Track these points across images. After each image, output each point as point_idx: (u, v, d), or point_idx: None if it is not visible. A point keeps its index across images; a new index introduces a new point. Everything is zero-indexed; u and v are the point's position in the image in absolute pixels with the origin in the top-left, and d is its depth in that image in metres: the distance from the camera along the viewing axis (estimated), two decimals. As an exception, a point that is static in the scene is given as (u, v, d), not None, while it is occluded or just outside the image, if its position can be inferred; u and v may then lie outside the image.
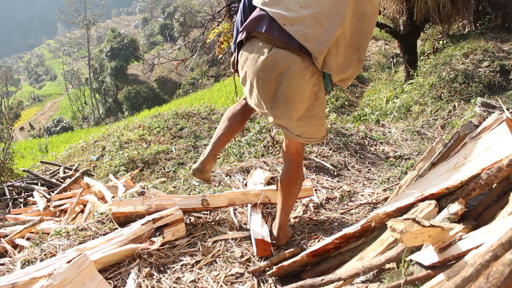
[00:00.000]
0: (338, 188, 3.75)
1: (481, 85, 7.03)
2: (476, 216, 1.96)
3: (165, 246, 2.58)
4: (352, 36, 2.18)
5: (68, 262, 1.90)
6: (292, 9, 2.14)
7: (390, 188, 3.81)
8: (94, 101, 45.68)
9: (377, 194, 3.62)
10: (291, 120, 2.24)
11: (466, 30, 10.93)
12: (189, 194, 3.61)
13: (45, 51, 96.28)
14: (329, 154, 4.79)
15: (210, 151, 2.56)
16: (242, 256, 2.56)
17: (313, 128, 2.30)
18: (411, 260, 1.72)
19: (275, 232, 2.68)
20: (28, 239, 4.05)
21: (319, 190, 3.70)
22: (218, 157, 6.23)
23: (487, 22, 9.71)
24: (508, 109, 5.16)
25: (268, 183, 3.62)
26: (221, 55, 7.50)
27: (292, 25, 2.12)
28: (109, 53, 42.28)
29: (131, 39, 43.98)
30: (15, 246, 3.99)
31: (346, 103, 10.80)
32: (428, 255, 1.62)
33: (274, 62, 2.17)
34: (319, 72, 2.19)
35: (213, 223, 2.94)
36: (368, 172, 4.43)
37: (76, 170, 7.59)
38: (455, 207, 1.75)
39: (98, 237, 2.68)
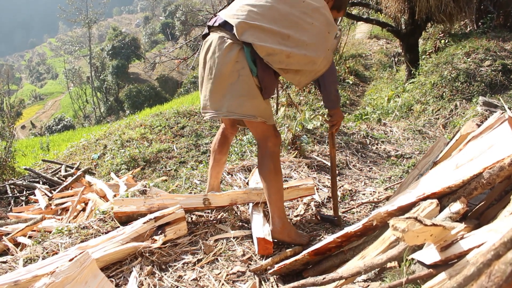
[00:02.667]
0: (340, 187, 3.75)
1: (483, 84, 7.02)
2: (478, 215, 1.96)
3: (166, 245, 2.59)
4: (281, 17, 2.33)
5: (70, 260, 1.90)
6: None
7: (391, 187, 3.81)
8: (95, 99, 45.71)
9: (379, 193, 3.63)
10: (215, 98, 2.43)
11: (468, 29, 10.90)
12: (191, 193, 3.61)
13: (47, 49, 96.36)
14: (329, 154, 4.79)
15: (208, 188, 3.07)
16: (243, 255, 2.56)
17: (235, 100, 2.38)
18: (412, 259, 1.73)
19: (271, 225, 2.67)
20: (30, 237, 4.07)
21: (320, 189, 3.70)
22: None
23: (489, 21, 9.68)
24: (510, 108, 5.16)
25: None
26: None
27: (226, 13, 2.42)
28: (110, 52, 42.27)
29: (132, 38, 43.97)
30: (17, 244, 4.00)
31: (347, 102, 10.80)
32: (430, 254, 1.62)
33: (204, 45, 2.46)
34: (239, 48, 2.34)
35: (214, 221, 2.95)
36: (369, 171, 4.43)
37: (77, 169, 7.59)
38: (457, 206, 1.75)
39: (100, 235, 2.69)
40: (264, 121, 2.46)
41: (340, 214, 3.08)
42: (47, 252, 2.58)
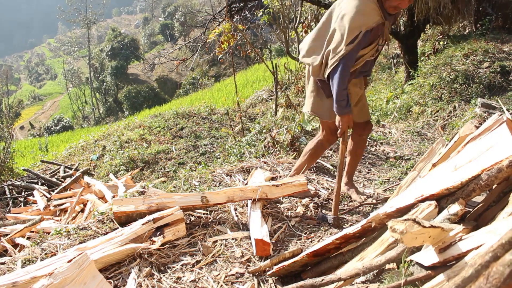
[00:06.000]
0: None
1: (482, 86, 7.02)
2: (476, 216, 1.97)
3: (165, 246, 2.59)
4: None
5: (69, 261, 1.90)
6: None
7: (390, 188, 3.81)
8: (94, 100, 45.68)
9: (378, 194, 3.63)
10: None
11: (467, 31, 10.91)
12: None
13: (46, 50, 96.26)
14: (329, 155, 4.80)
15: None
16: (242, 256, 2.56)
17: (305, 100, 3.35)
18: (411, 261, 1.73)
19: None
20: (28, 238, 4.06)
21: (319, 190, 3.70)
22: (218, 157, 6.23)
23: (487, 23, 9.69)
24: (508, 110, 5.17)
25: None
26: (221, 55, 7.51)
27: None
28: (109, 53, 42.26)
29: (131, 39, 43.95)
30: (15, 245, 4.00)
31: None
32: (428, 256, 1.62)
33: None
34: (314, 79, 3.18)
35: (213, 223, 2.95)
36: (368, 172, 4.43)
37: (76, 170, 7.59)
38: (455, 208, 1.76)
39: (98, 236, 2.69)
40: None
41: (339, 215, 3.08)
42: (45, 253, 2.58)
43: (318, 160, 4.44)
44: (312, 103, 3.21)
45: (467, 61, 7.63)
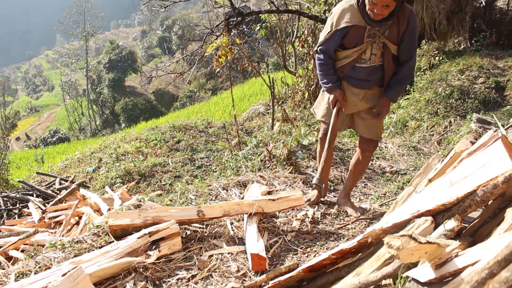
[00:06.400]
0: (335, 203, 3.75)
1: (477, 101, 7.08)
2: (472, 232, 1.97)
3: (161, 260, 2.57)
4: None
5: (63, 275, 1.89)
6: None
7: (386, 203, 3.81)
8: (91, 112, 45.68)
9: (374, 209, 3.63)
10: None
11: (462, 46, 11.03)
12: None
13: (44, 61, 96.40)
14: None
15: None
16: (238, 271, 2.55)
17: None
18: (407, 277, 1.72)
19: None
20: (22, 251, 4.02)
21: (315, 206, 3.69)
22: (214, 171, 6.23)
23: (482, 39, 9.82)
24: (503, 126, 5.20)
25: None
26: (218, 69, 7.54)
27: None
28: (107, 65, 42.40)
29: (129, 51, 44.17)
30: (9, 258, 3.95)
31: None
32: (425, 272, 1.62)
33: None
34: None
35: (209, 237, 2.94)
36: (364, 187, 4.43)
37: (72, 182, 7.55)
38: (451, 224, 1.76)
39: (93, 250, 2.67)
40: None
41: (336, 229, 3.07)
42: (39, 267, 2.56)
43: (314, 174, 4.45)
44: (316, 102, 3.68)
45: (463, 76, 7.70)
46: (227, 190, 4.00)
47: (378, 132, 3.44)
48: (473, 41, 10.37)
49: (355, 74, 3.25)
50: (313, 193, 3.72)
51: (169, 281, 2.43)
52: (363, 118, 3.39)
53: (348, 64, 3.23)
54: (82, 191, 5.66)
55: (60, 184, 7.62)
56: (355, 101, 3.32)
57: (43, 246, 3.17)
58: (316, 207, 3.62)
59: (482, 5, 10.53)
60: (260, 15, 10.34)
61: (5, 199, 6.88)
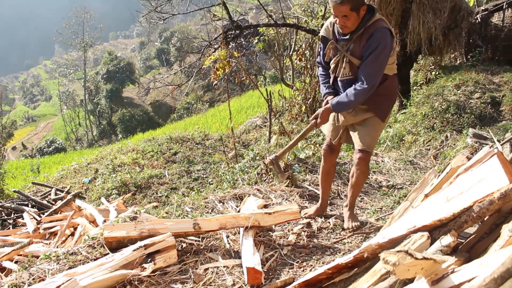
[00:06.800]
0: (331, 217, 3.74)
1: (473, 116, 7.13)
2: (468, 248, 1.97)
3: (156, 273, 2.55)
4: None
5: (58, 287, 1.87)
6: None
7: (383, 217, 3.81)
8: (88, 122, 45.65)
9: (370, 223, 3.62)
10: None
11: (458, 61, 11.14)
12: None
13: (42, 71, 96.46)
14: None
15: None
16: (233, 284, 2.53)
17: None
18: (403, 292, 1.72)
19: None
20: (16, 262, 3.99)
21: (312, 218, 3.68)
22: (211, 183, 6.22)
23: (478, 55, 9.92)
24: (499, 141, 5.23)
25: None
26: (216, 81, 7.58)
27: None
28: (105, 76, 42.51)
29: (127, 63, 44.32)
30: (2, 269, 3.92)
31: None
32: (421, 288, 1.62)
33: None
34: None
35: (205, 250, 2.92)
36: (360, 201, 4.43)
37: (67, 192, 7.52)
38: (447, 239, 1.76)
39: (88, 262, 2.65)
40: None
41: (332, 244, 3.06)
42: (33, 279, 2.53)
43: (311, 188, 4.45)
44: None
45: (459, 91, 7.76)
46: (223, 203, 3.99)
47: (365, 142, 3.32)
48: (469, 57, 10.48)
49: (338, 88, 3.36)
50: (312, 209, 3.78)
51: (164, 295, 2.41)
52: (353, 130, 3.44)
53: (333, 78, 3.37)
54: (78, 202, 5.64)
55: (56, 194, 7.58)
56: (344, 114, 3.39)
57: (37, 257, 3.15)
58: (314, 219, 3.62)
59: (477, 21, 10.67)
60: (258, 28, 10.42)
61: (0, 209, 6.83)
